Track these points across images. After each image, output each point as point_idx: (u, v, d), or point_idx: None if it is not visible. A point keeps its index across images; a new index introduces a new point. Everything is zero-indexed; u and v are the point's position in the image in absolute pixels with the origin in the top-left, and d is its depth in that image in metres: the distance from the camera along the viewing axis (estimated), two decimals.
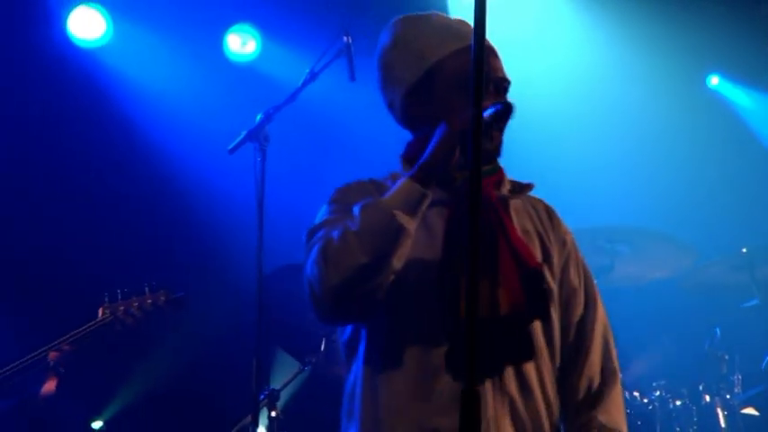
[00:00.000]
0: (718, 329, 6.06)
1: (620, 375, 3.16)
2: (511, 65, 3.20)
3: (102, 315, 4.61)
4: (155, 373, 6.32)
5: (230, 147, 4.47)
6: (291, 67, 5.77)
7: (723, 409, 5.90)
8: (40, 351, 4.47)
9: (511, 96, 3.13)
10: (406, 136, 3.09)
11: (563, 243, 3.05)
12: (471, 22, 2.34)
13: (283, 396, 5.12)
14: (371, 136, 5.76)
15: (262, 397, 4.78)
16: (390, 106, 3.14)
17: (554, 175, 6.71)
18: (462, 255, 2.51)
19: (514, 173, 3.17)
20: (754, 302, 6.21)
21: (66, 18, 6.15)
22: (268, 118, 4.42)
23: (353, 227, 2.74)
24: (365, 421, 2.87)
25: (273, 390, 4.92)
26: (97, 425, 6.05)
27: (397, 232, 2.72)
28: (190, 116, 6.48)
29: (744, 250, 6.17)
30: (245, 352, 4.65)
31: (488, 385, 2.81)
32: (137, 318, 4.61)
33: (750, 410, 5.93)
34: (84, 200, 6.13)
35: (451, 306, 2.77)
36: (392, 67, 3.11)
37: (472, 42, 2.11)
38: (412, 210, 2.73)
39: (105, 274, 5.54)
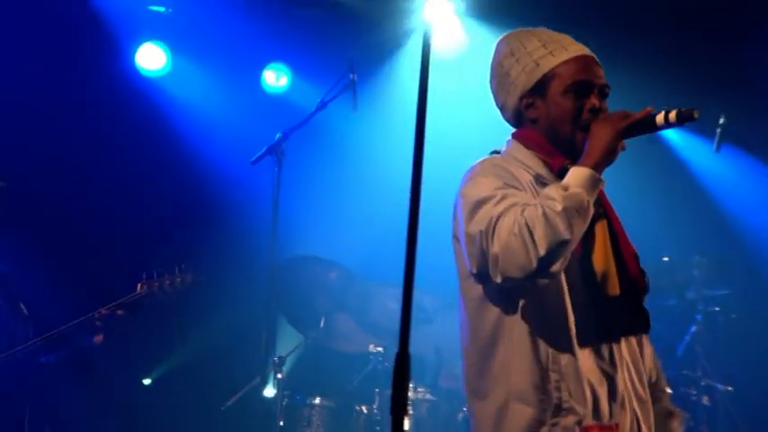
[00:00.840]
0: None
1: None
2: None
3: (141, 289, 5.29)
4: (186, 342, 6.99)
5: (253, 159, 5.38)
6: (313, 98, 6.19)
7: None
8: (90, 314, 5.12)
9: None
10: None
11: None
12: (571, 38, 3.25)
13: (288, 362, 5.96)
14: (368, 152, 6.82)
15: (270, 362, 5.69)
16: (502, 107, 3.42)
17: None
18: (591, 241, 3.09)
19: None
20: (671, 302, 6.83)
21: (134, 52, 6.93)
22: (285, 137, 5.30)
23: (557, 206, 2.97)
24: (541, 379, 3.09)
25: (280, 356, 5.82)
26: (147, 381, 6.80)
27: (587, 214, 3.01)
28: (228, 134, 7.11)
29: (665, 258, 6.85)
30: (258, 325, 5.61)
31: (624, 353, 3.14)
32: (167, 293, 5.26)
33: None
34: (138, 196, 6.85)
35: (588, 285, 3.09)
36: (508, 74, 3.38)
37: (420, 77, 2.57)
38: (593, 195, 3.03)
39: (146, 256, 6.15)
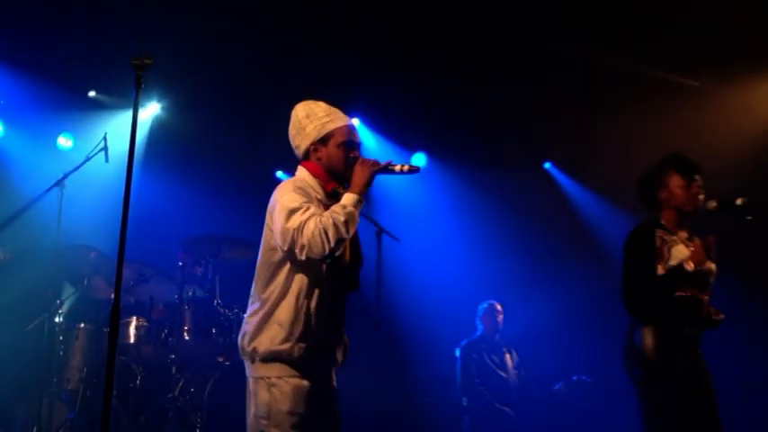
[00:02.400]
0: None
1: None
2: None
3: None
4: (5, 292, 8.10)
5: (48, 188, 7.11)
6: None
7: None
8: None
9: None
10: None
11: None
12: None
13: (66, 304, 7.70)
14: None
15: (55, 303, 7.41)
16: (297, 147, 4.38)
17: None
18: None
19: None
20: None
21: None
22: (66, 175, 7.11)
23: (341, 218, 3.97)
24: (291, 318, 4.13)
25: (61, 300, 7.53)
26: None
27: (356, 222, 3.97)
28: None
29: None
30: (48, 283, 7.30)
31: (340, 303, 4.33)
32: None
33: None
34: None
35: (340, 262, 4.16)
36: (305, 129, 4.35)
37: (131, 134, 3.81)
38: (359, 210, 4.02)
39: None
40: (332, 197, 4.29)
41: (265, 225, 4.25)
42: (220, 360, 7.67)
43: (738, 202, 5.32)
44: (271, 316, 4.15)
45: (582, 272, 8.78)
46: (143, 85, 4.22)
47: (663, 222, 5.57)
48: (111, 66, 8.52)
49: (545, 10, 8.20)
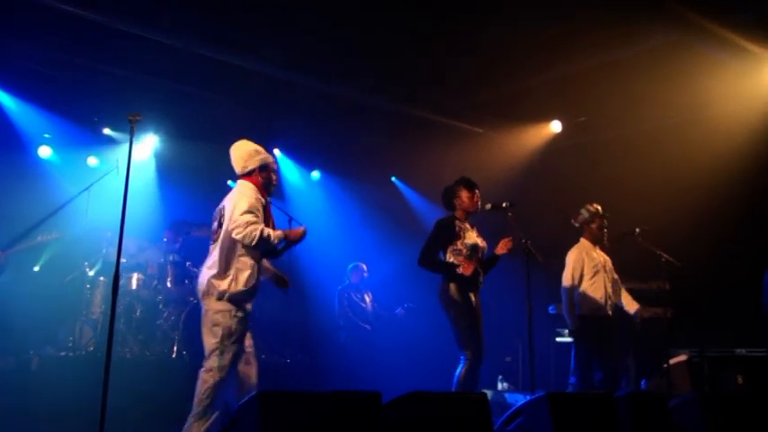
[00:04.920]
0: None
1: None
2: None
3: None
4: None
5: None
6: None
7: None
8: None
9: None
10: None
11: None
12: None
13: None
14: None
15: None
16: (243, 167, 4.40)
17: None
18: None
19: None
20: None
21: None
22: None
23: (272, 240, 4.10)
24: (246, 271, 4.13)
25: None
26: None
27: (278, 240, 4.15)
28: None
29: None
30: None
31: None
32: None
33: None
34: None
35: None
36: (253, 157, 4.39)
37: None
38: (281, 237, 4.17)
39: None
40: (263, 197, 4.41)
41: (229, 212, 4.24)
42: (190, 299, 7.60)
43: (504, 204, 5.54)
44: (233, 272, 4.22)
45: (409, 244, 8.79)
46: (135, 131, 4.32)
47: (458, 216, 5.68)
48: (119, 110, 8.16)
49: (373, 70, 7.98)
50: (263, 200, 4.30)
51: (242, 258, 4.19)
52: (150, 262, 7.99)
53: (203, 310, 4.29)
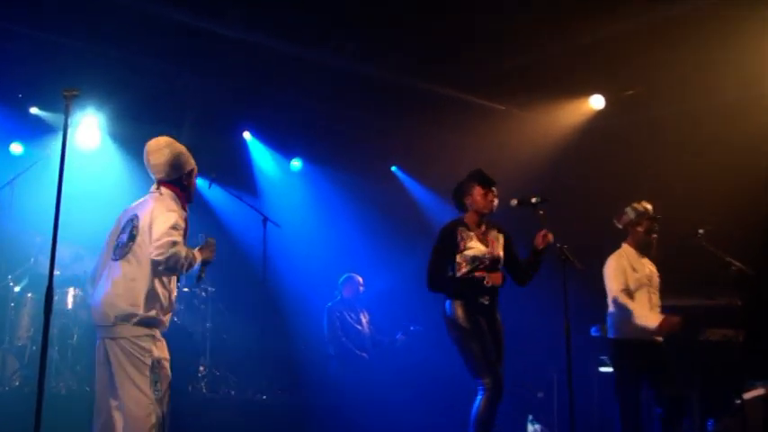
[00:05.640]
0: None
1: None
2: None
3: None
4: None
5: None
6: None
7: None
8: None
9: None
10: None
11: None
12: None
13: (21, 278, 7.84)
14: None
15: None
16: (168, 174, 4.57)
17: None
18: None
19: None
20: None
21: None
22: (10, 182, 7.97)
23: (191, 261, 4.39)
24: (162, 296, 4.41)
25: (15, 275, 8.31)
26: None
27: (196, 263, 4.43)
28: None
29: None
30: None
31: None
32: None
33: None
34: None
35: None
36: (180, 160, 4.60)
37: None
38: (200, 258, 4.45)
39: None
40: (184, 210, 4.64)
41: (146, 225, 4.48)
42: None
43: (533, 200, 5.59)
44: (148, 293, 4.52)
45: (416, 250, 8.82)
46: (71, 111, 4.37)
47: (466, 221, 5.79)
48: (49, 85, 8.16)
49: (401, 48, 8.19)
50: (185, 213, 4.56)
51: (157, 279, 4.48)
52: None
53: (111, 339, 4.52)
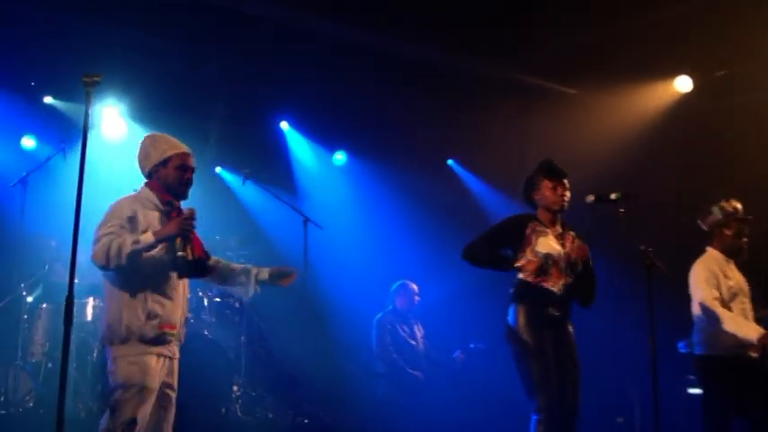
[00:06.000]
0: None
1: None
2: None
3: None
4: None
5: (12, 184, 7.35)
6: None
7: None
8: None
9: None
10: None
11: None
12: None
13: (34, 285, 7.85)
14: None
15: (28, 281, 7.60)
16: (143, 168, 4.65)
17: None
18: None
19: None
20: None
21: None
22: (28, 174, 7.43)
23: (126, 249, 4.23)
24: (136, 303, 4.39)
25: (29, 280, 7.71)
26: None
27: (139, 255, 4.27)
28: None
29: (217, 237, 8.50)
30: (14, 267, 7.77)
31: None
32: None
33: None
34: None
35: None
36: (150, 154, 4.63)
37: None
38: (148, 249, 4.31)
39: None
40: (167, 205, 4.64)
41: None
42: None
43: (612, 196, 5.51)
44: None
45: None
46: (92, 98, 4.34)
47: (539, 217, 5.72)
48: (65, 72, 8.38)
49: (446, 29, 8.24)
50: (159, 204, 4.61)
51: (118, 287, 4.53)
52: None
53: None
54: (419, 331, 9.22)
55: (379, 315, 9.11)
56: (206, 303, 8.33)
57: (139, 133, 9.11)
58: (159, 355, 4.50)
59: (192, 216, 4.49)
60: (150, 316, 4.44)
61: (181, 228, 4.42)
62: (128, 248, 4.27)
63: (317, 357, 8.96)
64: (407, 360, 8.90)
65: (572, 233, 5.74)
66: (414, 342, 9.09)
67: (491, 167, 10.47)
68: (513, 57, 8.82)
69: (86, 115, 4.34)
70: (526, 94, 9.40)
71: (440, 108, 10.02)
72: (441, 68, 8.96)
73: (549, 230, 5.65)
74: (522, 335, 5.44)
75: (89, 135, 4.23)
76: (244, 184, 8.30)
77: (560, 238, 5.69)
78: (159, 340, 4.49)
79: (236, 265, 4.93)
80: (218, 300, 8.51)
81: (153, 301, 4.49)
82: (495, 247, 5.60)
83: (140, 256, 4.32)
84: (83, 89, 4.26)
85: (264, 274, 4.84)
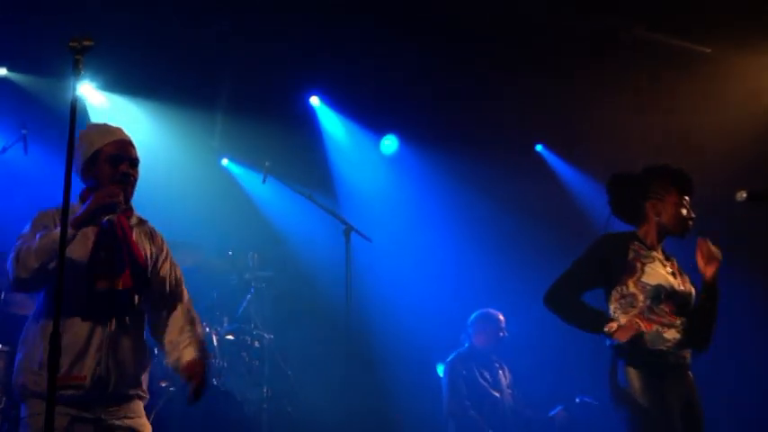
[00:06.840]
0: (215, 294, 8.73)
1: None
2: None
3: None
4: None
5: None
6: None
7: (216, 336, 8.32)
8: None
9: None
10: None
11: (161, 251, 4.78)
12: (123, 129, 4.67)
13: None
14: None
15: None
16: (77, 170, 4.72)
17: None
18: (104, 257, 4.43)
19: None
20: (234, 280, 9.08)
21: None
22: None
23: (33, 246, 4.29)
24: (36, 344, 4.42)
25: None
26: None
27: (55, 252, 4.05)
28: None
29: (230, 253, 9.05)
30: None
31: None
32: None
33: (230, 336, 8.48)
34: None
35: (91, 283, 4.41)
36: (78, 154, 4.68)
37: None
38: (67, 240, 4.13)
39: None
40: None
41: None
42: (162, 385, 7.68)
43: None
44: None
45: None
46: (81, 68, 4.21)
47: (640, 236, 5.72)
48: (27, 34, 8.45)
49: None
50: (56, 216, 4.52)
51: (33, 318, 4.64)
52: None
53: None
54: (505, 378, 9.02)
55: (451, 356, 8.93)
56: (215, 342, 8.26)
57: (124, 110, 9.71)
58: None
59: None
60: (76, 357, 4.44)
61: (106, 199, 4.38)
62: (35, 245, 4.27)
63: (365, 412, 8.69)
64: (489, 418, 8.67)
65: (675, 261, 5.79)
66: (498, 393, 8.87)
67: (595, 155, 10.30)
68: (629, 8, 8.96)
69: (74, 92, 4.25)
70: (644, 55, 9.44)
71: (523, 78, 9.98)
72: (529, 25, 9.07)
73: (655, 254, 5.67)
74: (637, 395, 5.42)
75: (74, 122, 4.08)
76: (264, 182, 8.18)
77: (668, 264, 5.72)
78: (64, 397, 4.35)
79: (185, 335, 4.84)
80: (230, 338, 8.51)
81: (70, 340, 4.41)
82: (588, 287, 5.69)
83: (54, 255, 4.10)
84: (69, 56, 4.14)
85: (179, 361, 4.78)
